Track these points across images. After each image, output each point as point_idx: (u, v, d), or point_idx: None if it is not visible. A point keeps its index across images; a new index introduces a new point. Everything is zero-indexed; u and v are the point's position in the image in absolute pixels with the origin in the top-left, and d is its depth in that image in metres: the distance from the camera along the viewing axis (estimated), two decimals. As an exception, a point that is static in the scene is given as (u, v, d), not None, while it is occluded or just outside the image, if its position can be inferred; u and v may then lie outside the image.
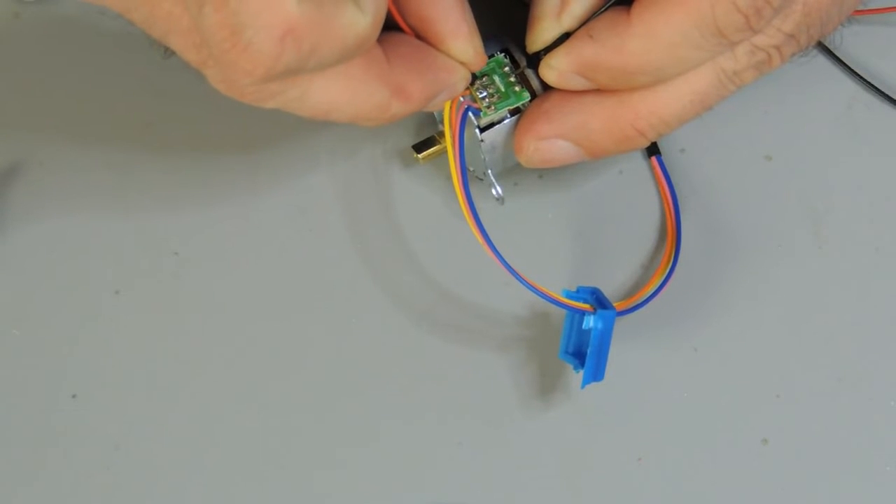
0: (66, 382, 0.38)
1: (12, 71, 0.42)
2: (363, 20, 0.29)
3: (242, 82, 0.29)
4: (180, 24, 0.29)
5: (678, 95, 0.34)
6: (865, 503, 0.37)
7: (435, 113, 0.38)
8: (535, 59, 0.36)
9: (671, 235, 0.39)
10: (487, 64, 0.36)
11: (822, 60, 0.42)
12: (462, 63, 0.35)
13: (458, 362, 0.38)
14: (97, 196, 0.41)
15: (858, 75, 0.42)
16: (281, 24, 0.27)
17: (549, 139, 0.35)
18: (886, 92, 0.42)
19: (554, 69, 0.34)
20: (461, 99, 0.36)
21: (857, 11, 0.42)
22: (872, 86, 0.42)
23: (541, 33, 0.35)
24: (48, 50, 0.43)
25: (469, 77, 0.35)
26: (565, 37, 0.35)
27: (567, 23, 0.34)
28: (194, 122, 0.41)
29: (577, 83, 0.34)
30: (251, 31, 0.27)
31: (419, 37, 0.34)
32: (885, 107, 0.42)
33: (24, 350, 0.39)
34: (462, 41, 0.34)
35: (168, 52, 0.32)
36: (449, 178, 0.35)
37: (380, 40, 0.32)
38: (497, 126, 0.37)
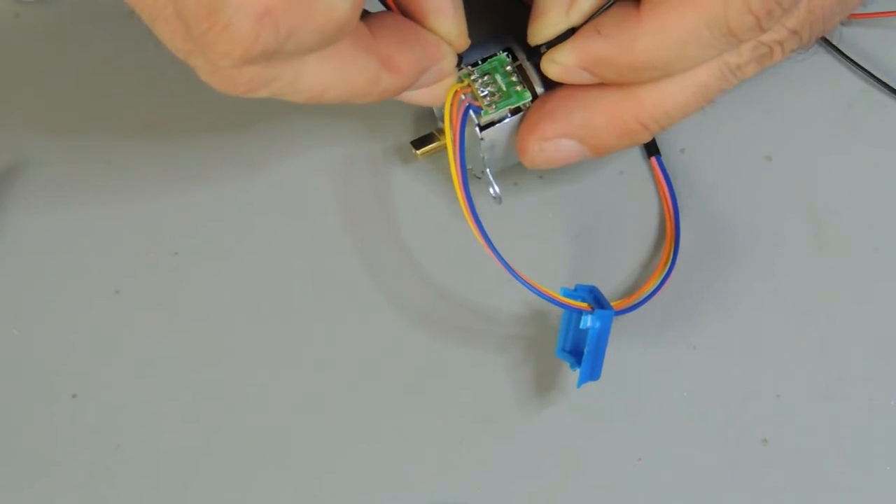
0: (66, 382, 0.38)
1: (12, 71, 0.42)
2: (342, 4, 0.29)
3: (221, 65, 0.29)
4: (165, 12, 0.29)
5: (681, 88, 0.34)
6: (865, 503, 0.37)
7: (434, 109, 0.38)
8: (535, 53, 0.36)
9: (670, 235, 0.39)
10: (489, 63, 0.36)
11: (823, 58, 0.42)
12: (446, 42, 0.34)
13: (456, 360, 0.38)
14: (97, 196, 0.41)
15: (862, 68, 0.42)
16: (259, 4, 0.27)
17: (554, 139, 0.35)
18: (891, 84, 0.42)
19: (559, 64, 0.34)
20: (462, 97, 0.36)
21: (856, 14, 0.42)
22: (876, 78, 0.42)
23: (545, 27, 0.35)
24: (48, 50, 0.43)
25: (455, 58, 0.35)
26: (570, 31, 0.34)
27: (575, 17, 0.34)
28: (194, 121, 0.41)
29: (581, 78, 0.34)
30: (230, 11, 0.27)
31: (404, 14, 0.34)
32: (887, 102, 0.42)
33: (24, 350, 0.39)
34: (446, 18, 0.34)
35: None
36: (448, 174, 0.35)
37: (363, 19, 0.32)
38: (497, 125, 0.37)
